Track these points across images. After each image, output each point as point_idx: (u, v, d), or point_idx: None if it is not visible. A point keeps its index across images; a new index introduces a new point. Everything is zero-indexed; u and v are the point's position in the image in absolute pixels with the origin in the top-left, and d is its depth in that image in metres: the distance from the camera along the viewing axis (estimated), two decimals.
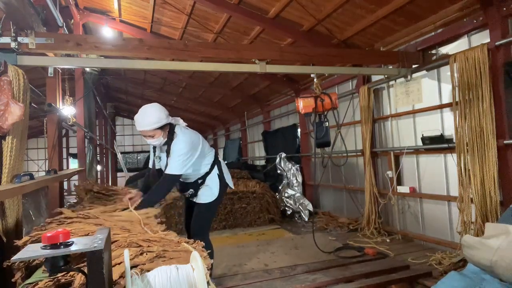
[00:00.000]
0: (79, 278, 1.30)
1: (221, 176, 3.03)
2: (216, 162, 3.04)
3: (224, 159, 11.75)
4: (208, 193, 3.00)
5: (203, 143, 2.92)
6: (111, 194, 3.21)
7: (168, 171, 2.65)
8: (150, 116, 2.56)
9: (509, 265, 2.10)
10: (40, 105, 6.64)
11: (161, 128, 2.61)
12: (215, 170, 3.02)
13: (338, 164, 5.55)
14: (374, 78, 5.23)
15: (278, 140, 8.69)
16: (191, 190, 3.00)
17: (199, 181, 3.00)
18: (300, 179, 6.75)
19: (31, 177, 2.79)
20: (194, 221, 2.98)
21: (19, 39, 3.06)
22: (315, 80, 4.09)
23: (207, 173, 2.98)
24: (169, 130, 2.71)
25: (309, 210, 6.34)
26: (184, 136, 2.71)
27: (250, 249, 4.52)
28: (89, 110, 6.69)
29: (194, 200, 3.05)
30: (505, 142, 3.32)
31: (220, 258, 3.93)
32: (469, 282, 2.27)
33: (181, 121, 2.91)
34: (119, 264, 1.37)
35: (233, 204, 5.98)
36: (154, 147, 2.95)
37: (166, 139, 2.69)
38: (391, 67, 4.67)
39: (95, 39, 3.64)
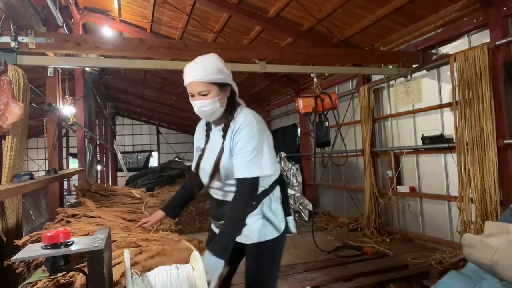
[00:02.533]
0: (79, 278, 1.30)
1: (285, 205, 1.82)
2: (281, 179, 1.84)
3: None
4: (264, 225, 1.71)
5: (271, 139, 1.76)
6: (108, 194, 3.22)
7: (242, 173, 1.60)
8: (209, 64, 1.68)
9: (509, 264, 2.10)
10: (40, 105, 6.64)
11: (220, 87, 1.68)
12: (277, 192, 1.80)
13: (338, 164, 5.55)
14: (374, 78, 5.23)
15: (278, 140, 8.70)
16: None
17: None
18: (300, 178, 6.75)
19: (31, 177, 2.79)
20: (249, 278, 1.79)
21: (19, 38, 3.06)
22: (315, 80, 4.09)
23: (266, 192, 1.74)
24: (230, 100, 1.73)
25: (309, 210, 6.35)
26: (254, 116, 1.70)
27: None
28: (89, 109, 6.69)
29: (239, 240, 1.70)
30: (505, 142, 3.32)
31: None
32: (469, 282, 2.27)
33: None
34: (119, 264, 1.37)
35: None
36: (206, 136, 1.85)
37: (223, 108, 1.71)
38: (391, 67, 4.67)
39: (95, 38, 3.65)
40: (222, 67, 1.67)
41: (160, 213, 1.86)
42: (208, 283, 1.33)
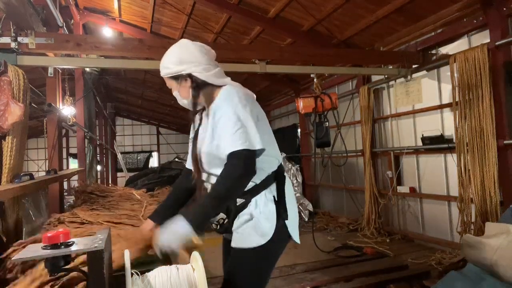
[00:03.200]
0: (79, 279, 1.30)
1: (280, 206, 1.49)
2: (279, 175, 1.56)
3: None
4: (252, 229, 1.45)
5: (268, 126, 1.62)
6: (105, 195, 3.20)
7: (229, 148, 1.36)
8: (167, 56, 1.55)
9: (509, 264, 2.10)
10: (40, 105, 6.64)
11: (176, 79, 1.52)
12: (272, 190, 1.51)
13: (338, 164, 5.55)
14: (374, 78, 5.23)
15: (278, 140, 8.65)
16: (221, 215, 1.52)
17: (239, 200, 1.49)
18: (300, 179, 6.75)
19: (31, 177, 2.79)
20: (225, 283, 1.50)
21: (19, 39, 3.06)
22: (315, 80, 4.10)
23: (257, 188, 1.48)
24: (202, 88, 1.51)
25: (309, 210, 6.34)
26: (238, 91, 1.48)
27: None
28: (89, 110, 6.69)
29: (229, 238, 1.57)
30: (505, 142, 3.32)
31: (220, 258, 3.92)
32: (469, 282, 2.27)
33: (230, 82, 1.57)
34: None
35: None
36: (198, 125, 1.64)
37: (191, 99, 1.53)
38: (391, 67, 4.67)
39: (95, 39, 3.65)
40: (178, 58, 1.51)
41: (148, 224, 1.59)
42: (167, 254, 1.28)
